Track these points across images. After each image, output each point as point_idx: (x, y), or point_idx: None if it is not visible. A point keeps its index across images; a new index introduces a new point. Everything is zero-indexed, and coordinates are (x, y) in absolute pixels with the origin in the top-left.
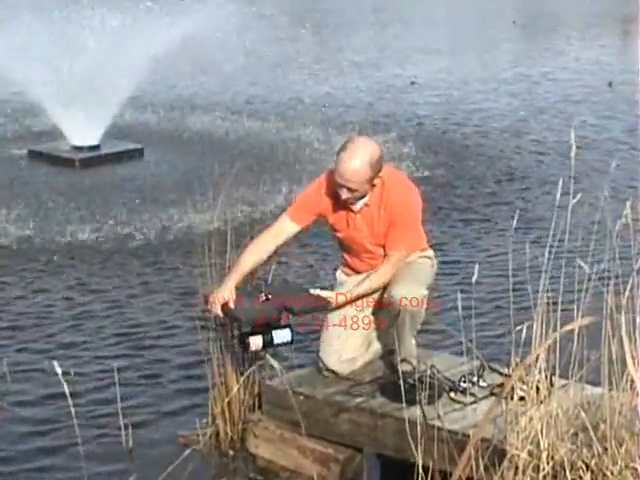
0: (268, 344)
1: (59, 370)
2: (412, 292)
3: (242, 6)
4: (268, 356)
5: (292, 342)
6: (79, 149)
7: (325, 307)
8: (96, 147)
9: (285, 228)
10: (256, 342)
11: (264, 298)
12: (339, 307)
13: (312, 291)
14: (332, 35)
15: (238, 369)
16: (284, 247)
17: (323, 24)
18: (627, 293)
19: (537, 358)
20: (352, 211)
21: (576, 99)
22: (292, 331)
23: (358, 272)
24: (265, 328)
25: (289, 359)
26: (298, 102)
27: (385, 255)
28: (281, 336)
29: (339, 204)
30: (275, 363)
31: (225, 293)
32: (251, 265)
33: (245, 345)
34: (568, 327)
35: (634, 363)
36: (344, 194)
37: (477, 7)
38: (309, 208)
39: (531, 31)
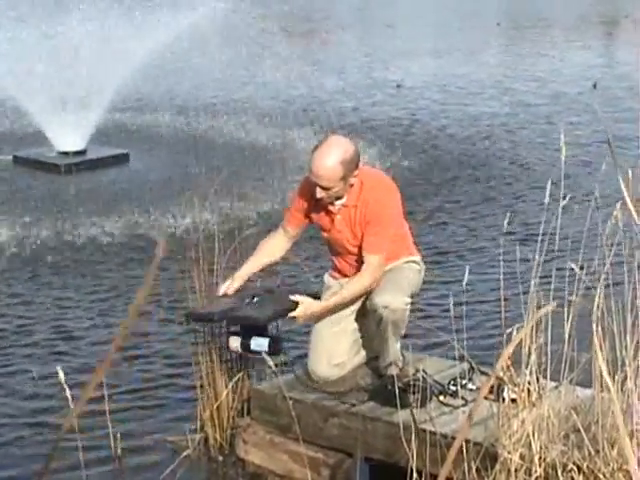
0: (245, 348)
1: (62, 376)
2: (394, 300)
3: (228, 8)
4: (264, 354)
5: (270, 354)
6: (65, 154)
7: (293, 308)
8: (82, 152)
9: (284, 234)
10: (235, 344)
11: (248, 301)
12: (320, 316)
13: (292, 297)
14: (318, 38)
15: (227, 374)
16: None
17: (309, 27)
18: (600, 287)
19: (528, 360)
20: (332, 212)
21: (562, 100)
22: (271, 343)
23: (345, 275)
24: (246, 332)
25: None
26: (285, 105)
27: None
28: (258, 344)
29: (320, 204)
30: (270, 362)
31: (234, 282)
32: (261, 263)
33: (225, 343)
34: (539, 314)
35: (609, 371)
36: (319, 193)
37: (461, 9)
38: (298, 211)
39: (515, 33)
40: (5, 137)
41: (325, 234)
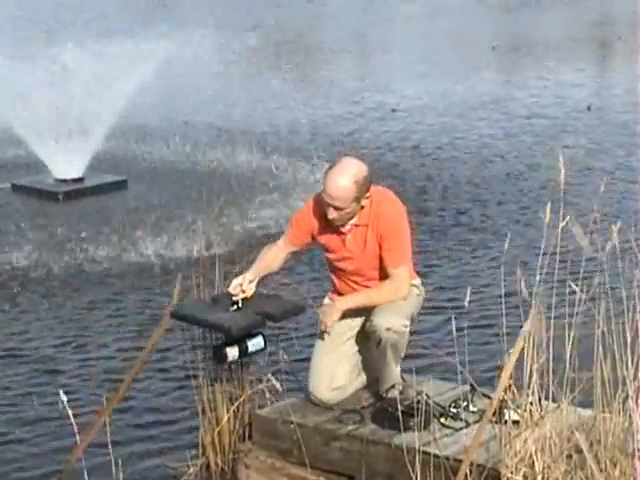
0: (244, 353)
1: (64, 398)
2: (392, 323)
3: (223, 36)
4: (271, 376)
5: (265, 349)
6: (63, 182)
7: (302, 310)
8: (80, 180)
9: (283, 248)
10: (233, 352)
11: (235, 308)
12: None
13: (321, 308)
14: (313, 64)
15: (228, 399)
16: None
17: (304, 53)
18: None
19: (529, 381)
20: (342, 232)
21: (557, 122)
22: (264, 338)
23: None
24: (239, 337)
25: (281, 387)
26: (280, 131)
27: (378, 276)
28: (255, 344)
29: (329, 225)
30: (277, 384)
31: (244, 283)
32: (268, 265)
33: (222, 357)
34: (521, 336)
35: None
36: (331, 214)
37: (456, 33)
38: (302, 229)
39: (510, 56)
40: (3, 165)
41: (332, 255)
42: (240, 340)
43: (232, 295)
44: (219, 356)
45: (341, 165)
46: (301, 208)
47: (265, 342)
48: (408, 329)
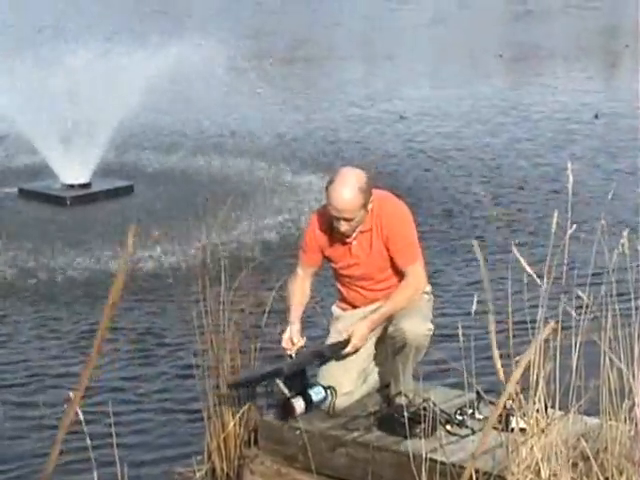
0: (309, 403)
1: (72, 395)
2: (421, 327)
3: (227, 43)
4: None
5: (327, 398)
6: (70, 187)
7: (346, 345)
8: (87, 185)
9: (303, 276)
10: (299, 404)
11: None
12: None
13: (354, 332)
14: (320, 71)
15: (234, 405)
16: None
17: (311, 60)
18: (607, 315)
19: (536, 389)
20: (349, 240)
21: (564, 130)
22: (324, 387)
23: (354, 306)
24: (301, 389)
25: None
26: (287, 140)
27: (384, 277)
28: (317, 392)
29: (334, 236)
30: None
31: (294, 336)
32: (300, 301)
33: (290, 410)
34: (543, 335)
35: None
36: (342, 226)
37: (462, 41)
38: (313, 249)
39: (517, 64)
40: (10, 170)
41: (338, 264)
42: (301, 390)
43: (285, 350)
44: (288, 410)
45: (341, 177)
46: (305, 231)
47: (326, 391)
48: (431, 333)
